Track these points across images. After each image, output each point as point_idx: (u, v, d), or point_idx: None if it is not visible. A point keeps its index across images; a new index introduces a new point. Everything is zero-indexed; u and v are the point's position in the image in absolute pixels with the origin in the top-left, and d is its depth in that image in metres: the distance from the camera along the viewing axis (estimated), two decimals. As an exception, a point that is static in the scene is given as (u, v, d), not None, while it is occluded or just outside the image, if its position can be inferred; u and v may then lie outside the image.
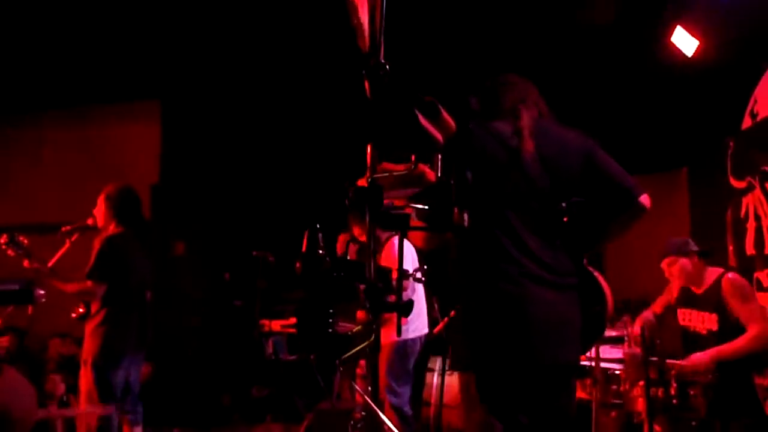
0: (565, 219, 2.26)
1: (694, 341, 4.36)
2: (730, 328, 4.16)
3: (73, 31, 5.84)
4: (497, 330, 2.15)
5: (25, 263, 4.24)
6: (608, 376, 4.33)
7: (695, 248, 4.36)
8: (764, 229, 5.15)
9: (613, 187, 2.41)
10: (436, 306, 5.13)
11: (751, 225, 5.29)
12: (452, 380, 4.93)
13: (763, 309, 4.19)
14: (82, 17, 5.65)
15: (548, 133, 2.38)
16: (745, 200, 5.36)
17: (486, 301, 2.18)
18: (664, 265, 4.43)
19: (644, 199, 2.43)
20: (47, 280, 4.22)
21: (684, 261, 4.33)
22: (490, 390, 2.17)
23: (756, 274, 5.14)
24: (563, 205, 2.27)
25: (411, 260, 4.61)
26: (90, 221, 4.49)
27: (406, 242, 5.03)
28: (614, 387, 4.30)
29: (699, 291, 4.35)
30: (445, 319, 4.80)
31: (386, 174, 1.96)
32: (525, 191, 2.25)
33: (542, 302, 2.17)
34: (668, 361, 4.12)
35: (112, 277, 4.25)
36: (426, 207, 2.16)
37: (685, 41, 5.41)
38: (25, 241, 4.23)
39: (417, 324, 4.71)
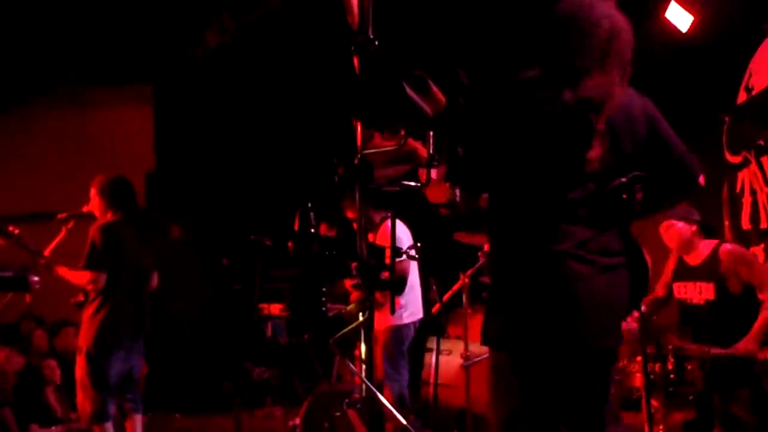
0: (624, 196, 2.08)
1: (690, 313, 4.38)
2: (728, 298, 4.18)
3: (64, 15, 5.80)
4: (544, 309, 2.00)
5: (40, 261, 4.21)
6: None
7: (695, 216, 4.36)
8: (760, 204, 5.16)
9: (675, 164, 2.23)
10: (433, 287, 5.14)
11: (746, 200, 5.29)
12: (449, 359, 4.95)
13: None
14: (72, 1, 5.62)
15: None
16: (740, 175, 5.36)
17: (532, 280, 2.03)
18: (662, 229, 4.42)
19: (702, 179, 2.29)
20: (54, 271, 4.22)
21: (682, 226, 4.33)
22: (528, 372, 2.02)
23: (752, 249, 5.14)
24: (623, 180, 2.08)
25: (406, 241, 4.61)
26: (86, 209, 4.48)
27: (400, 223, 5.07)
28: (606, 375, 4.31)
29: (694, 263, 4.35)
30: (444, 298, 4.83)
31: (376, 150, 1.95)
32: (585, 171, 2.05)
33: (592, 283, 2.03)
34: (712, 350, 4.09)
35: (108, 264, 4.24)
36: (418, 185, 2.15)
37: (679, 17, 5.37)
38: (16, 231, 4.20)
39: (412, 309, 4.72)
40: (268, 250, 5.15)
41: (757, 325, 4.08)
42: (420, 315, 4.81)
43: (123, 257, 4.32)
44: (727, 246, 4.29)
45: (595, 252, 2.07)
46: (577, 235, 2.04)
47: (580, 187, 2.06)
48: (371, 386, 2.11)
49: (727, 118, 5.54)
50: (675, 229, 4.36)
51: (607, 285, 2.08)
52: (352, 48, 2.01)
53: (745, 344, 4.08)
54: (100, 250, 4.22)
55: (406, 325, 4.67)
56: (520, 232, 2.07)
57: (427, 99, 1.90)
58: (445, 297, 4.79)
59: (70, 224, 4.50)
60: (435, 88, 1.94)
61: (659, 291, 4.68)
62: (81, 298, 4.39)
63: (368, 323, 1.98)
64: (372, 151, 1.90)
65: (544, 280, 2.02)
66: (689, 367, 4.10)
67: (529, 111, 2.04)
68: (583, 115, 2.03)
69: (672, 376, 4.09)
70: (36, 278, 3.82)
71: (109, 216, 4.39)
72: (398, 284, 2.01)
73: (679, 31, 5.38)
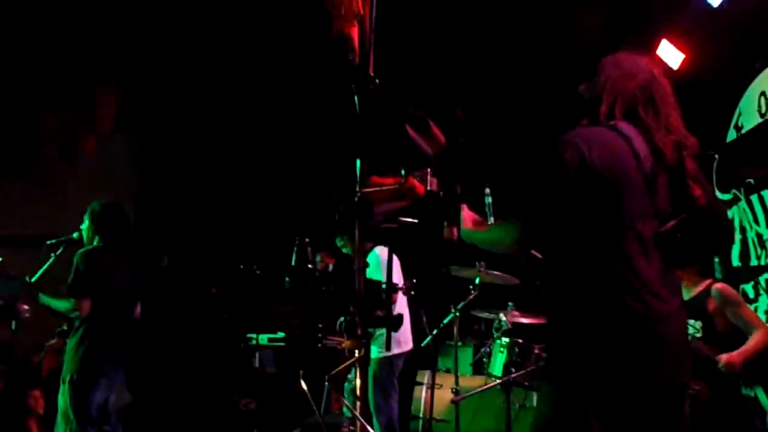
0: (678, 235, 2.14)
1: None
2: (714, 336, 4.18)
3: (54, 41, 5.81)
4: (631, 351, 2.02)
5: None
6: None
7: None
8: (750, 241, 5.19)
9: (708, 210, 2.25)
10: (423, 318, 5.12)
11: (736, 237, 5.32)
12: (439, 393, 4.91)
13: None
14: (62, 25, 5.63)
15: None
16: (730, 212, 5.40)
17: (611, 320, 2.04)
18: None
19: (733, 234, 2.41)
20: (38, 298, 4.16)
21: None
22: (607, 410, 2.02)
23: (742, 286, 5.16)
24: (674, 222, 2.15)
25: (397, 273, 4.60)
26: (75, 235, 4.44)
27: (386, 252, 5.05)
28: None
29: (686, 297, 4.36)
30: (435, 331, 4.81)
31: (375, 188, 1.95)
32: (650, 212, 2.13)
33: (665, 321, 2.08)
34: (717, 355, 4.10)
35: (92, 291, 4.18)
36: (415, 221, 2.15)
37: (670, 54, 5.46)
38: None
39: (402, 340, 4.70)
40: (256, 279, 5.12)
41: (749, 346, 4.11)
42: (410, 346, 4.79)
43: (108, 284, 4.26)
44: (719, 285, 4.30)
45: (668, 291, 2.13)
46: (653, 275, 2.10)
47: (651, 226, 2.12)
48: (365, 423, 2.09)
49: (716, 156, 5.60)
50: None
51: (681, 323, 2.17)
52: (353, 86, 2.02)
53: (734, 357, 4.10)
54: (84, 277, 4.16)
55: (396, 356, 4.65)
56: (597, 274, 2.09)
57: (427, 139, 1.91)
58: (437, 330, 4.78)
59: (59, 251, 4.46)
60: (435, 128, 1.95)
61: None
62: (65, 327, 4.33)
63: (364, 359, 1.97)
64: (372, 189, 1.90)
65: (628, 321, 2.05)
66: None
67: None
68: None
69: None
70: (26, 306, 3.77)
71: (96, 242, 4.35)
72: (395, 322, 1.99)
73: (670, 69, 5.46)
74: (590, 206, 2.07)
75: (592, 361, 2.05)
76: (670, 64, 5.45)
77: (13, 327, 4.12)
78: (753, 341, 4.12)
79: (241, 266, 5.15)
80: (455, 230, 2.00)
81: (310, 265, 1.99)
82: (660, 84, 2.29)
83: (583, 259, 2.10)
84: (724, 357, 4.10)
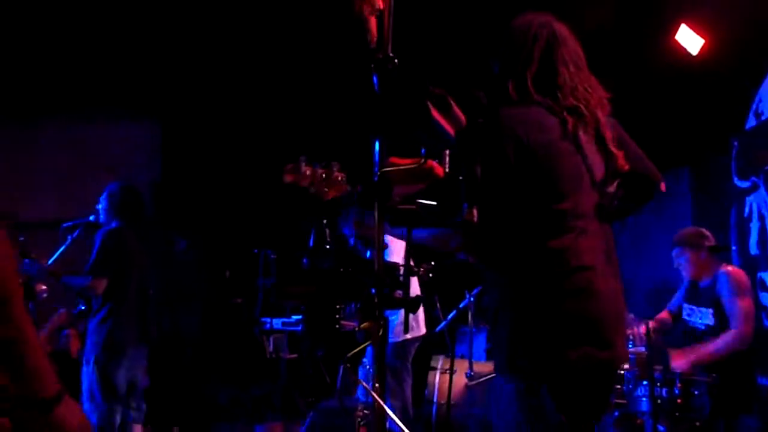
0: (615, 202, 2.14)
1: (692, 337, 4.35)
2: (726, 324, 4.15)
3: (71, 34, 5.82)
4: (570, 330, 2.00)
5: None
6: (612, 375, 4.31)
7: (709, 243, 4.32)
8: (768, 229, 5.14)
9: (642, 170, 2.28)
10: (437, 304, 5.12)
11: (754, 224, 5.27)
12: (454, 378, 4.91)
13: (750, 310, 4.15)
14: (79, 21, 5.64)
15: None
16: (749, 200, 5.34)
17: (556, 303, 2.02)
18: (674, 255, 4.41)
19: (663, 185, 2.35)
20: (49, 277, 4.20)
21: (690, 254, 4.30)
22: (563, 392, 2.00)
23: (760, 274, 5.12)
24: (610, 190, 2.14)
25: (400, 256, 4.60)
26: (91, 218, 4.47)
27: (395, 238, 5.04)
28: (618, 387, 4.28)
29: (702, 286, 4.33)
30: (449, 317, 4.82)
31: (394, 168, 1.93)
32: (588, 185, 2.12)
33: (611, 294, 2.07)
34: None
35: (113, 272, 4.22)
36: (434, 203, 2.13)
37: (689, 40, 5.38)
38: (21, 238, 4.19)
39: (413, 324, 4.70)
40: (271, 264, 5.12)
41: (704, 349, 4.09)
42: (423, 331, 4.78)
43: (128, 263, 4.30)
44: (728, 269, 4.25)
45: (611, 269, 2.12)
46: (594, 253, 2.07)
47: (592, 200, 2.11)
48: (383, 404, 2.08)
49: (736, 143, 5.54)
50: (684, 258, 4.34)
51: (620, 301, 2.14)
52: (371, 65, 2.00)
53: (681, 360, 4.08)
54: (106, 256, 4.20)
55: (410, 341, 4.65)
56: (537, 253, 2.05)
57: (448, 118, 1.89)
58: (451, 316, 4.78)
59: (75, 233, 4.49)
60: (456, 107, 1.93)
61: (664, 313, 4.65)
62: (82, 307, 4.37)
63: (381, 342, 1.96)
64: (390, 169, 1.89)
65: (573, 298, 2.02)
66: (696, 393, 4.06)
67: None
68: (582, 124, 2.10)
69: (679, 401, 4.05)
70: (43, 287, 3.81)
71: (114, 223, 4.38)
72: (413, 303, 1.98)
73: (689, 54, 5.39)
74: (529, 191, 2.05)
75: (544, 345, 2.01)
76: (689, 50, 5.38)
77: (30, 308, 4.15)
78: (714, 345, 4.09)
79: (256, 250, 5.16)
80: (475, 213, 1.98)
81: (328, 246, 1.98)
82: (565, 43, 2.25)
83: (524, 245, 2.07)
84: (674, 357, 4.07)
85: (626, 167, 2.15)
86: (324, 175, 2.06)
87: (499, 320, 2.09)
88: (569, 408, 1.99)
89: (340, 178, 2.08)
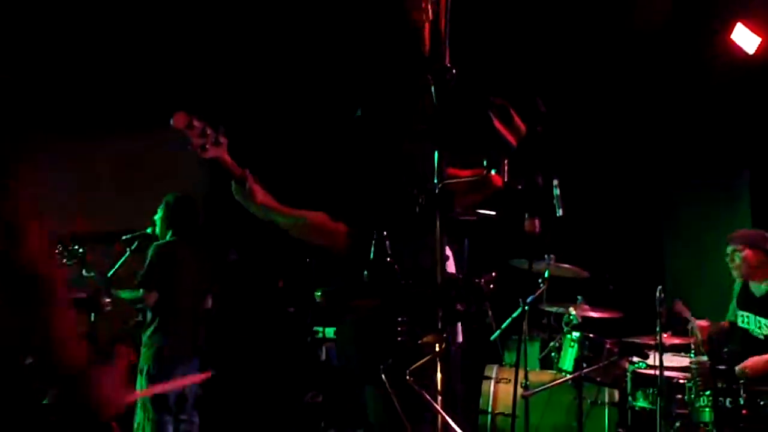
0: None
1: (753, 345, 4.23)
2: None
3: (125, 50, 5.97)
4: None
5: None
6: (673, 385, 4.21)
7: (764, 244, 4.21)
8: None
9: None
10: (489, 312, 5.07)
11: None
12: (507, 388, 4.86)
13: None
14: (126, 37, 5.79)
15: None
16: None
17: None
18: (729, 252, 4.30)
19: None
20: (108, 289, 4.30)
21: (749, 252, 4.20)
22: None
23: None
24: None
25: (451, 266, 4.58)
26: (149, 230, 4.56)
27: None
28: (679, 396, 4.18)
29: (758, 293, 4.21)
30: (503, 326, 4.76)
31: (455, 180, 1.92)
32: None
33: None
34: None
35: (162, 285, 4.30)
36: (493, 213, 2.11)
37: (746, 38, 5.25)
38: (80, 250, 4.29)
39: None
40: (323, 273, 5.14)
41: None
42: (460, 339, 4.77)
43: (179, 277, 4.37)
44: None
45: None
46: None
47: None
48: (447, 417, 2.07)
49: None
50: (742, 255, 4.23)
51: None
52: (429, 76, 2.00)
53: (758, 360, 3.95)
54: (155, 270, 4.28)
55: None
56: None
57: (509, 128, 1.88)
58: (505, 325, 4.73)
59: (134, 245, 4.59)
60: (517, 117, 1.91)
61: (725, 322, 4.53)
62: (139, 318, 4.46)
63: (445, 354, 1.95)
64: (452, 180, 1.88)
65: None
66: (762, 403, 3.94)
67: None
68: None
69: (744, 411, 3.93)
70: (108, 300, 3.91)
71: (168, 235, 4.46)
72: (477, 316, 1.97)
73: (745, 53, 5.25)
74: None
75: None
76: (746, 49, 5.25)
77: (92, 319, 4.27)
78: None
79: (308, 260, 5.20)
80: (537, 222, 1.96)
81: (389, 259, 1.98)
82: None
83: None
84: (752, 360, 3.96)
85: None
86: (210, 134, 2.24)
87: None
88: None
89: (222, 142, 2.31)
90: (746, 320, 4.29)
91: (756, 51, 5.23)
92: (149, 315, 4.39)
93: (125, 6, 5.52)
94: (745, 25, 5.24)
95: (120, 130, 7.49)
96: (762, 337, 4.17)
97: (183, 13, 5.66)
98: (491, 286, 2.75)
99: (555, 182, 4.32)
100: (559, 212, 4.34)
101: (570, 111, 5.61)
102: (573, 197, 4.50)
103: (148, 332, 4.36)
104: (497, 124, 1.82)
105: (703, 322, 4.37)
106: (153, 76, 6.47)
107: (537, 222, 1.96)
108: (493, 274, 2.43)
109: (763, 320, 4.16)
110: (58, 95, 6.63)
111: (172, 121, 2.14)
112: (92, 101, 6.91)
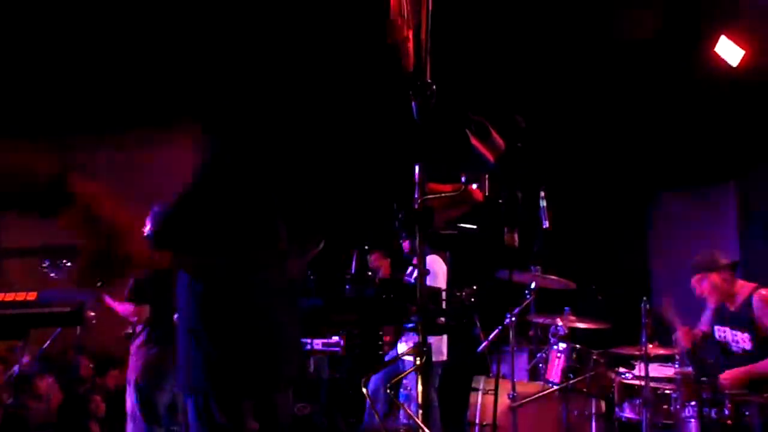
0: None
1: (730, 358, 4.24)
2: (764, 347, 4.03)
3: (123, 59, 5.98)
4: None
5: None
6: (658, 395, 4.22)
7: (724, 261, 4.25)
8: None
9: None
10: (477, 324, 5.08)
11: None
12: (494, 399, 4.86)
13: None
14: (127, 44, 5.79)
15: None
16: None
17: None
18: (694, 282, 4.33)
19: None
20: (103, 302, 4.29)
21: (713, 277, 4.22)
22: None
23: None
24: None
25: (443, 278, 4.60)
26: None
27: (439, 260, 5.05)
28: (665, 407, 4.19)
29: (733, 308, 4.23)
30: (490, 337, 4.77)
31: (436, 195, 1.94)
32: None
33: None
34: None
35: (151, 298, 4.30)
36: (474, 227, 2.14)
37: (729, 51, 5.30)
38: (68, 264, 4.27)
39: (437, 348, 4.70)
40: (313, 285, 5.13)
41: (760, 363, 3.99)
42: (444, 357, 4.83)
43: (165, 288, 4.36)
44: (762, 292, 4.14)
45: None
46: None
47: None
48: (426, 430, 2.08)
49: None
50: (707, 282, 4.25)
51: None
52: (410, 92, 2.02)
53: (734, 373, 3.97)
54: (144, 283, 4.28)
55: (434, 365, 4.67)
56: None
57: (487, 145, 1.90)
58: (492, 336, 4.73)
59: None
60: (495, 134, 1.94)
61: (703, 326, 4.54)
62: (130, 330, 4.45)
63: (425, 368, 1.96)
64: (432, 196, 1.90)
65: None
66: (747, 413, 3.95)
67: None
68: None
69: (729, 421, 3.95)
70: (92, 313, 3.89)
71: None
72: (458, 328, 1.99)
73: (729, 66, 5.31)
74: None
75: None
76: (730, 61, 5.30)
77: (78, 332, 4.25)
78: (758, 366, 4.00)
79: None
80: (516, 236, 1.98)
81: (369, 273, 2.00)
82: None
83: None
84: (728, 373, 3.99)
85: None
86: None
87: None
88: None
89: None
90: (723, 335, 4.31)
91: (739, 64, 5.28)
92: (137, 326, 4.38)
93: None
94: (729, 37, 5.29)
95: (115, 140, 7.49)
96: (740, 351, 4.20)
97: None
98: (472, 299, 2.77)
99: (542, 194, 4.36)
100: (545, 224, 4.38)
101: (557, 123, 5.66)
102: (560, 209, 4.54)
103: (137, 343, 4.35)
104: (474, 141, 1.84)
105: (686, 328, 4.41)
106: (157, 87, 6.48)
107: (516, 236, 1.98)
108: (474, 287, 2.45)
109: (739, 333, 4.19)
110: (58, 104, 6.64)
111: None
112: (91, 106, 6.90)
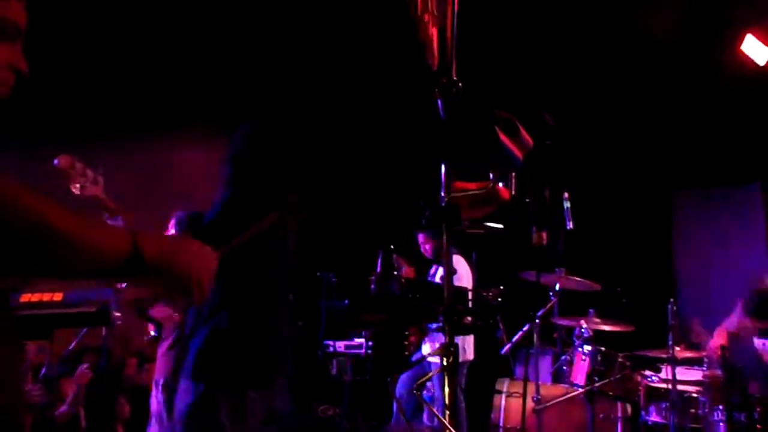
0: None
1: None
2: None
3: (141, 60, 6.03)
4: None
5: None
6: (685, 399, 4.17)
7: None
8: None
9: None
10: (501, 326, 5.04)
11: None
12: (519, 402, 4.82)
13: None
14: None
15: None
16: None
17: None
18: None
19: None
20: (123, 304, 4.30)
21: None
22: None
23: None
24: None
25: (468, 280, 4.56)
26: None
27: (462, 261, 5.02)
28: (692, 411, 4.13)
29: None
30: (514, 339, 4.74)
31: (462, 193, 1.92)
32: None
33: None
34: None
35: None
36: (501, 226, 2.11)
37: (756, 50, 5.23)
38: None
39: (462, 348, 4.66)
40: (333, 287, 5.13)
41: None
42: (471, 356, 4.78)
43: None
44: None
45: None
46: None
47: None
48: (453, 430, 2.06)
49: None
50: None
51: None
52: (436, 90, 2.00)
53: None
54: None
55: (460, 365, 4.61)
56: None
57: (516, 142, 1.88)
58: (516, 338, 4.70)
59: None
60: (523, 130, 1.91)
61: (730, 326, 4.46)
62: (153, 333, 4.46)
63: (452, 369, 1.94)
64: (459, 194, 1.88)
65: None
66: (777, 417, 3.89)
67: None
68: None
69: (758, 426, 3.88)
70: (118, 314, 3.90)
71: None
72: (484, 328, 1.96)
73: (756, 64, 5.23)
74: None
75: None
76: (756, 60, 5.22)
77: (104, 333, 4.28)
78: None
79: (318, 273, 5.19)
80: (545, 236, 1.95)
81: (395, 272, 1.98)
82: None
83: None
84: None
85: None
86: (89, 175, 2.44)
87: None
88: None
89: (100, 181, 2.54)
90: (764, 347, 4.26)
91: (766, 63, 5.20)
92: (164, 329, 4.39)
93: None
94: (755, 36, 5.22)
95: (129, 140, 7.55)
96: None
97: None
98: (498, 299, 2.74)
99: (565, 195, 4.31)
100: (570, 225, 4.33)
101: (581, 124, 5.61)
102: (584, 210, 4.49)
103: (164, 346, 4.36)
104: (503, 137, 1.82)
105: (717, 341, 4.35)
106: (169, 83, 6.52)
107: (545, 235, 1.95)
108: (501, 287, 2.43)
109: None
110: (70, 109, 6.71)
111: (55, 161, 2.30)
112: (97, 107, 6.96)
